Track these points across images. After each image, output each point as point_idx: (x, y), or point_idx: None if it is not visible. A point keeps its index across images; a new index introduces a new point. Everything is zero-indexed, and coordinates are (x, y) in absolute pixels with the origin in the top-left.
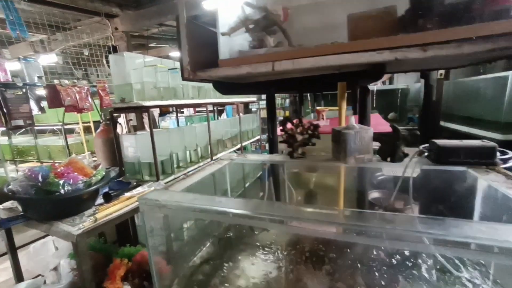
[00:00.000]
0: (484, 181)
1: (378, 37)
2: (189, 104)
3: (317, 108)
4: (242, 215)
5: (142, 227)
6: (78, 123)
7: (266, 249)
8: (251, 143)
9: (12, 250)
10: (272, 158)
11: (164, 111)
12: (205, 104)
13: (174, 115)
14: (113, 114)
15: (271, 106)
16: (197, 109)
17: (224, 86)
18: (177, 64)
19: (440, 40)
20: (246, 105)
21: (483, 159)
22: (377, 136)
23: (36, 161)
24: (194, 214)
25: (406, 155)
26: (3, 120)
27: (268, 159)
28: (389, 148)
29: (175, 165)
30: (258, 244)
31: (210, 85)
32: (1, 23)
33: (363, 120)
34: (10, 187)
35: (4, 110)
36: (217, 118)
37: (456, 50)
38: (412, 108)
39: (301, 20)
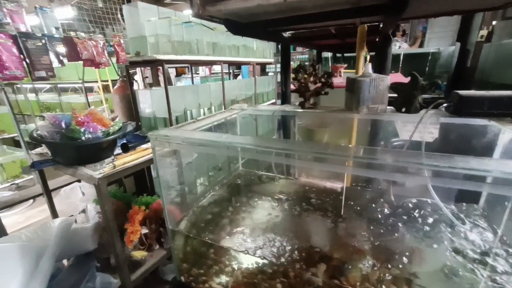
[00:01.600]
0: (509, 133)
1: None
2: (203, 60)
3: (335, 65)
4: (248, 148)
5: (157, 179)
6: (97, 81)
7: (273, 196)
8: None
9: (47, 192)
10: (283, 108)
11: (180, 72)
12: (219, 62)
13: (189, 76)
14: (129, 69)
15: (285, 57)
16: (213, 70)
17: (235, 24)
18: (192, 19)
19: None
20: (263, 67)
21: (509, 109)
22: (394, 85)
23: None
24: (200, 149)
25: (423, 106)
26: (27, 71)
27: (279, 109)
28: (405, 97)
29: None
30: (265, 192)
31: (226, 42)
32: None
33: (382, 71)
34: (38, 132)
35: (27, 60)
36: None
37: None
38: (442, 74)
39: None
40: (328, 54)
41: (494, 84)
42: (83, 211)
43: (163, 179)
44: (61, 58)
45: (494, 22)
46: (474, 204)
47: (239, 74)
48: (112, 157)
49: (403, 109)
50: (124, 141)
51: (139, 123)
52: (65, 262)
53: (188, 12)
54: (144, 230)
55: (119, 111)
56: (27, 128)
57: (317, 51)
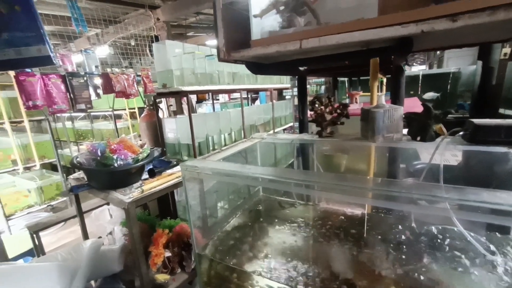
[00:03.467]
0: None
1: (406, 11)
2: (224, 89)
3: (351, 91)
4: (271, 180)
5: (180, 203)
6: (125, 109)
7: (294, 222)
8: (284, 129)
9: (80, 214)
10: (301, 137)
11: (200, 98)
12: (239, 90)
13: (210, 102)
14: (156, 99)
15: (302, 88)
16: (232, 96)
17: (256, 65)
18: (214, 51)
19: (472, 8)
20: (280, 92)
21: None
22: (407, 115)
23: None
24: (227, 179)
25: (438, 135)
26: (71, 105)
27: (297, 138)
28: (420, 127)
29: (211, 147)
30: (285, 217)
31: (245, 71)
32: (63, 20)
33: (396, 101)
34: (78, 159)
35: (71, 95)
36: (251, 105)
37: (489, 18)
38: (463, 93)
39: (332, 0)
40: (344, 78)
41: None
42: (110, 233)
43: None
44: (98, 91)
45: None
46: (509, 235)
47: (257, 99)
48: (140, 182)
49: (418, 138)
50: (151, 167)
51: (164, 149)
52: (92, 283)
53: (210, 43)
54: (168, 253)
55: (145, 137)
56: (62, 153)
57: (332, 77)
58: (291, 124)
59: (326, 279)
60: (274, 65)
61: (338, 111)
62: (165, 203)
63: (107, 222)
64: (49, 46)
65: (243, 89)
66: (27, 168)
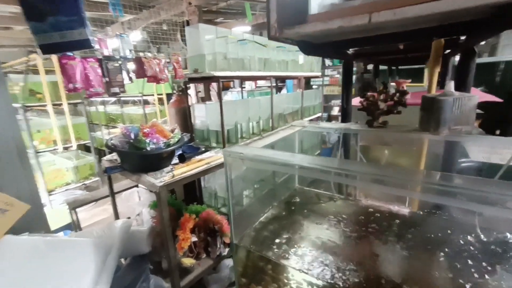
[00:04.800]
0: None
1: None
2: (255, 76)
3: (398, 80)
4: (316, 169)
5: (207, 189)
6: (153, 95)
7: (332, 217)
8: (310, 120)
9: (112, 194)
10: (347, 126)
11: (226, 85)
12: (269, 77)
13: (236, 89)
14: (186, 85)
15: (347, 73)
16: (257, 84)
17: (310, 45)
18: (246, 36)
19: None
20: (307, 81)
21: None
22: (483, 105)
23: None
24: (272, 167)
25: None
26: (106, 88)
27: (343, 127)
28: (499, 118)
29: (239, 135)
30: (323, 212)
31: (276, 58)
32: (99, 5)
33: (463, 89)
34: (112, 141)
35: (107, 79)
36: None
37: None
38: None
39: None
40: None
41: None
42: (138, 214)
43: (222, 193)
44: (130, 75)
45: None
46: None
47: (282, 87)
48: (171, 167)
49: (497, 131)
50: (181, 152)
51: (193, 135)
52: (122, 261)
53: (238, 30)
54: (194, 238)
55: (174, 123)
56: (95, 136)
57: (374, 65)
58: (319, 114)
59: (368, 279)
60: (327, 44)
61: (395, 98)
62: (191, 189)
63: (136, 203)
64: (88, 30)
65: (274, 76)
66: (65, 149)
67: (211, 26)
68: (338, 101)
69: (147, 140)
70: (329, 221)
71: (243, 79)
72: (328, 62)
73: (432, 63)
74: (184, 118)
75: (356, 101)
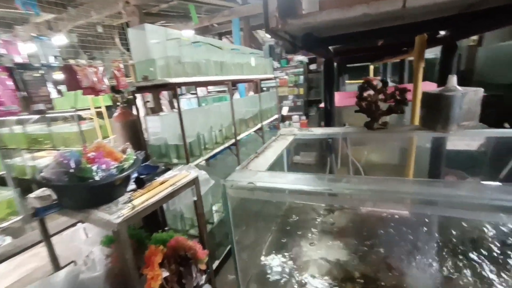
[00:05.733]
0: None
1: None
2: (213, 80)
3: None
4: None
5: (170, 211)
6: (89, 109)
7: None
8: (270, 122)
9: (47, 238)
10: (344, 130)
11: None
12: (228, 81)
13: (185, 96)
14: (134, 94)
15: (329, 73)
16: (209, 89)
17: (314, 39)
18: (199, 38)
19: None
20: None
21: None
22: (488, 98)
23: (52, 149)
24: (298, 197)
25: None
26: (23, 105)
27: (339, 132)
28: (504, 110)
29: (202, 147)
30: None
31: (231, 61)
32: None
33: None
34: (43, 174)
35: (25, 93)
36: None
37: None
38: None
39: None
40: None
41: (491, 85)
42: (88, 256)
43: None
44: (58, 87)
45: None
46: None
47: (234, 92)
48: (128, 195)
49: (506, 124)
50: (136, 174)
51: (148, 152)
52: None
53: (185, 34)
54: (165, 273)
55: (122, 139)
56: (12, 164)
57: (338, 64)
58: (276, 116)
59: None
60: (332, 39)
61: (397, 97)
62: (151, 213)
63: (83, 242)
64: None
65: (232, 80)
66: None
67: (159, 27)
68: (288, 102)
69: (94, 168)
70: (340, 238)
71: (200, 85)
72: (276, 64)
73: (416, 58)
74: (134, 133)
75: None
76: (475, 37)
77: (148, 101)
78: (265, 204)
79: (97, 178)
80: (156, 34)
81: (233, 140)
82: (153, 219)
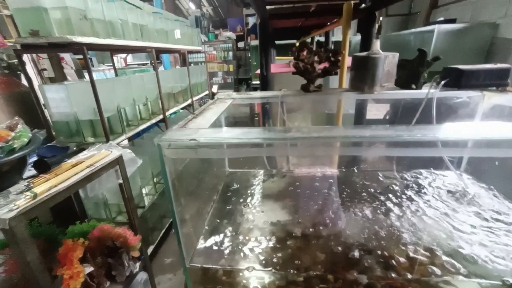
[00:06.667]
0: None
1: None
2: (132, 46)
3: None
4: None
5: (90, 200)
6: None
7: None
8: (201, 97)
9: None
10: (282, 93)
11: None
12: (150, 49)
13: (99, 68)
14: (21, 57)
15: (264, 34)
16: (128, 61)
17: None
18: None
19: None
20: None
21: (499, 80)
22: (400, 62)
23: None
24: (245, 151)
25: (424, 82)
26: None
27: (277, 95)
28: (411, 74)
29: (125, 123)
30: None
31: (155, 26)
32: None
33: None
34: None
35: None
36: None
37: None
38: None
39: None
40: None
41: None
42: None
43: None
44: None
45: (381, 18)
46: None
47: (159, 65)
48: (26, 183)
49: (413, 86)
50: (36, 158)
51: (52, 131)
52: None
53: None
54: (89, 269)
55: (4, 116)
56: None
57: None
58: (207, 92)
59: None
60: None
61: (332, 59)
62: (63, 204)
63: None
64: None
65: (156, 48)
66: None
67: None
68: (218, 79)
69: None
70: (280, 202)
71: (116, 50)
72: (204, 37)
73: (344, 25)
74: (25, 108)
75: None
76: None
77: (44, 69)
78: (204, 173)
79: None
80: None
81: (161, 116)
82: (67, 211)
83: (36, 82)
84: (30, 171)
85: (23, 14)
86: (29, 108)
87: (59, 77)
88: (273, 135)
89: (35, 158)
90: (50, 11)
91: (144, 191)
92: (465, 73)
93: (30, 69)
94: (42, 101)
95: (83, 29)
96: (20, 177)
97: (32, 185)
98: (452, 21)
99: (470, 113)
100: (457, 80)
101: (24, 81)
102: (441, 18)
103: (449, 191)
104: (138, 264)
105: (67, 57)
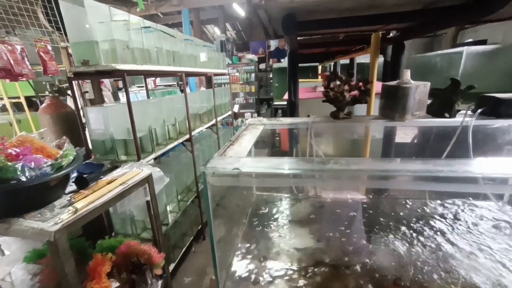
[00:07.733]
0: None
1: None
2: (165, 71)
3: (323, 73)
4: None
5: (117, 215)
6: (2, 98)
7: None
8: (224, 118)
9: None
10: (312, 120)
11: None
12: (181, 73)
13: (132, 89)
14: (72, 82)
15: (293, 63)
16: (157, 83)
17: (293, 21)
18: (148, 23)
19: None
20: (209, 79)
21: None
22: (433, 91)
23: None
24: (284, 181)
25: (458, 111)
26: None
27: (307, 121)
28: (444, 102)
29: (155, 142)
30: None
31: (186, 52)
32: None
33: (396, 78)
34: None
35: None
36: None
37: None
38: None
39: None
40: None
41: None
42: (3, 279)
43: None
44: None
45: None
46: None
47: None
48: (68, 197)
49: (446, 114)
50: (75, 174)
51: (89, 149)
52: None
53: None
54: (115, 284)
55: (53, 135)
56: None
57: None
58: (230, 112)
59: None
60: (309, 24)
61: (362, 88)
62: (93, 218)
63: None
64: None
65: (186, 72)
66: None
67: (101, 4)
68: (239, 99)
69: (18, 165)
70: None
71: (150, 74)
72: (227, 60)
73: (372, 54)
74: (69, 127)
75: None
76: None
77: (86, 92)
78: (234, 196)
79: (23, 178)
80: (98, 12)
81: (187, 136)
82: (95, 225)
83: (80, 103)
84: (70, 186)
85: (79, 47)
86: (72, 128)
87: (98, 99)
88: (311, 166)
89: (75, 174)
90: (101, 43)
91: (169, 208)
92: (504, 102)
93: (76, 92)
94: (83, 120)
95: (125, 58)
96: (64, 192)
97: (73, 200)
98: (483, 42)
99: (510, 140)
100: (494, 109)
101: (69, 103)
102: (470, 40)
103: (494, 227)
104: (160, 282)
105: (106, 80)
